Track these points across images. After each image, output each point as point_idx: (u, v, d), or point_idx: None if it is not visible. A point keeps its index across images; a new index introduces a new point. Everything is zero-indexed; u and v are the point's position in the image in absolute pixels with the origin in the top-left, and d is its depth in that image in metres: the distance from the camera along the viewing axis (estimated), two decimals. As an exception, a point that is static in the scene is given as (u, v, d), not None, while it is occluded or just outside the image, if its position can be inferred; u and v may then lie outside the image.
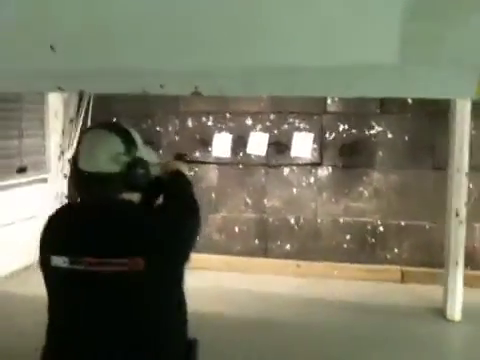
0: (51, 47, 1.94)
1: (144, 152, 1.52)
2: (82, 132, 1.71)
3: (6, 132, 5.01)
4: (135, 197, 1.50)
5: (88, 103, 5.73)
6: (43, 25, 1.97)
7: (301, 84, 2.34)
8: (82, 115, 5.75)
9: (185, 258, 1.47)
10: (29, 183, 5.12)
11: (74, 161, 1.46)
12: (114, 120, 5.32)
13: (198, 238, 1.55)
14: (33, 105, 5.36)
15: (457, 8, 1.47)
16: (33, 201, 5.11)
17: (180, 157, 1.88)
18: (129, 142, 1.46)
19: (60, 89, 2.89)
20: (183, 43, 1.99)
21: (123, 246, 1.36)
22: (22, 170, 5.15)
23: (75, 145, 1.66)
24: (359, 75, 1.86)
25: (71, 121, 5.76)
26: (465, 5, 1.47)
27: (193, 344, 1.54)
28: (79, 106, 5.76)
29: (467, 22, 1.52)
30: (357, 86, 1.94)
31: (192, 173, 1.98)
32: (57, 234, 1.45)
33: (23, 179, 5.12)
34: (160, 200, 1.67)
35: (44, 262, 1.42)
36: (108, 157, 1.41)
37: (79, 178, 1.45)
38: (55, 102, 5.69)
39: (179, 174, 1.74)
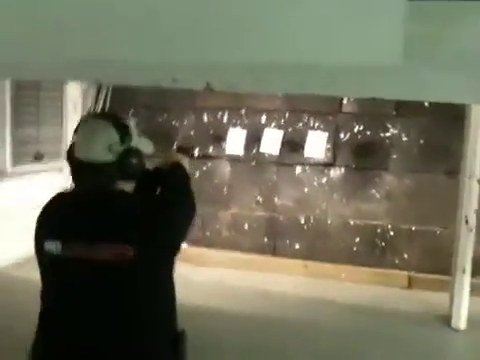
0: (59, 37, 1.97)
1: (139, 142, 1.55)
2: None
3: (24, 119, 5.10)
4: (129, 186, 1.52)
5: (106, 94, 5.81)
6: (54, 15, 2.01)
7: (311, 82, 2.34)
8: (100, 106, 5.83)
9: (175, 249, 1.49)
10: (46, 171, 5.20)
11: (70, 150, 1.49)
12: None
13: (190, 230, 1.56)
14: (51, 93, 5.44)
15: (463, 9, 1.46)
16: (49, 188, 5.19)
17: (182, 150, 1.90)
18: (124, 132, 1.49)
19: (75, 78, 2.95)
20: (195, 37, 2.01)
21: (114, 234, 1.39)
22: (39, 157, 5.24)
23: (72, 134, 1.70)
24: (362, 76, 1.85)
25: (89, 111, 5.84)
26: (471, 6, 1.46)
27: (181, 335, 1.55)
28: (97, 97, 5.85)
29: (471, 23, 1.51)
30: (361, 87, 1.94)
31: (194, 169, 1.94)
32: (50, 220, 1.48)
33: (40, 167, 5.21)
34: (158, 190, 1.70)
35: (38, 247, 1.46)
36: (103, 146, 1.43)
37: (74, 166, 1.48)
38: (74, 92, 5.77)
39: (178, 166, 1.76)
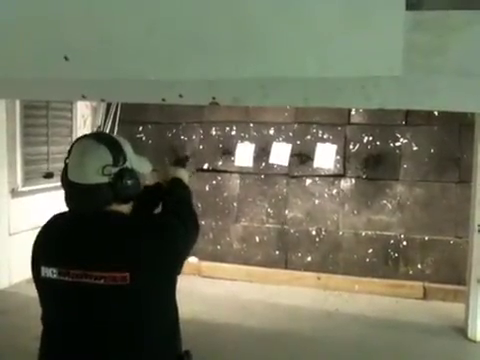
0: (65, 57, 1.99)
1: (135, 162, 1.50)
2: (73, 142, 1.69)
3: (35, 139, 5.15)
4: (125, 208, 1.47)
5: (115, 111, 5.85)
6: (60, 36, 2.03)
7: (316, 95, 2.34)
8: (109, 123, 5.88)
9: (172, 273, 1.45)
10: (56, 188, 5.22)
11: (64, 171, 1.45)
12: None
13: (190, 251, 1.52)
14: (61, 112, 5.49)
15: (461, 18, 1.44)
16: (60, 206, 5.22)
17: (179, 162, 1.85)
18: (117, 153, 1.43)
19: (84, 97, 2.97)
20: (199, 53, 2.02)
21: (109, 259, 1.36)
22: (49, 176, 5.28)
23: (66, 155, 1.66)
24: (366, 87, 1.84)
25: (99, 128, 5.89)
26: (471, 16, 1.45)
27: (185, 356, 1.51)
28: (107, 114, 5.89)
29: (472, 32, 1.50)
30: (366, 98, 1.92)
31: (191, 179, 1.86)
32: (46, 245, 1.46)
33: (50, 184, 5.24)
34: (158, 208, 1.66)
35: (34, 272, 1.44)
36: (95, 168, 1.39)
37: (68, 188, 1.44)
38: (84, 110, 5.83)
39: (177, 182, 1.71)
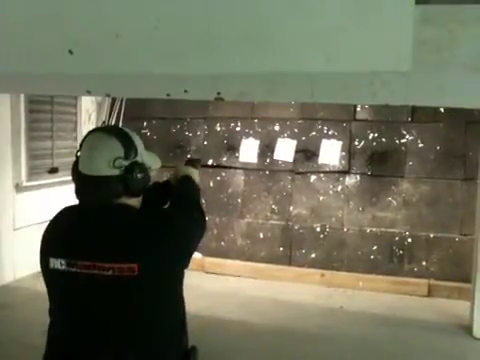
0: (70, 52, 1.98)
1: (145, 157, 1.50)
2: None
3: (39, 134, 5.14)
4: (134, 201, 1.48)
5: (120, 106, 5.85)
6: (64, 30, 2.02)
7: (323, 90, 2.32)
8: (114, 118, 5.87)
9: (179, 267, 1.45)
10: (60, 183, 5.23)
11: (75, 164, 1.46)
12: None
13: (197, 246, 1.51)
14: (65, 107, 5.49)
15: (471, 13, 1.42)
16: (64, 201, 5.21)
17: (191, 162, 1.87)
18: (128, 146, 1.44)
19: (88, 92, 2.96)
20: (204, 48, 2.01)
21: (117, 251, 1.36)
22: (53, 171, 5.28)
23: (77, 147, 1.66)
24: (374, 82, 1.83)
25: (104, 123, 5.88)
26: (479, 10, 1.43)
27: (191, 352, 1.51)
28: (111, 109, 5.89)
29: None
30: (373, 93, 1.91)
31: (203, 181, 1.88)
32: (55, 237, 1.46)
33: (54, 179, 5.24)
34: (167, 205, 1.67)
35: (43, 264, 1.44)
36: (107, 161, 1.39)
37: (78, 181, 1.44)
38: (88, 105, 5.82)
39: (188, 180, 1.72)
